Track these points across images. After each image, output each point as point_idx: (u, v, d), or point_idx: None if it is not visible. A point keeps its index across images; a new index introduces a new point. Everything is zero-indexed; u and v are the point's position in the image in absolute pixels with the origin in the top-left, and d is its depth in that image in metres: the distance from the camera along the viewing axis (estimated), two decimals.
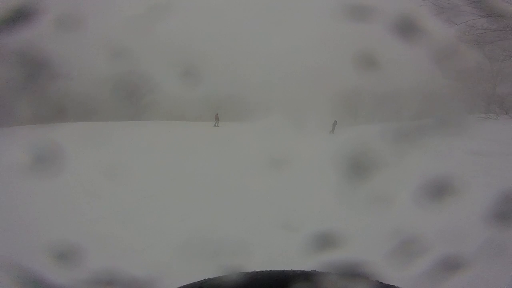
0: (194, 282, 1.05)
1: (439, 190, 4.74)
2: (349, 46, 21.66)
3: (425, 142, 11.11)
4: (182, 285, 1.04)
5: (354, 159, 7.16)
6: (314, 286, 1.00)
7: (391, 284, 1.01)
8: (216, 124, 23.99)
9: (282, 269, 1.07)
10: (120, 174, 7.49)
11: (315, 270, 1.06)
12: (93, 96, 23.99)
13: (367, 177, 5.69)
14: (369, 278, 1.04)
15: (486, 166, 8.09)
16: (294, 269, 1.07)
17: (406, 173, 7.09)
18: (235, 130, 20.55)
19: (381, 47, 14.68)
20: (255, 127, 20.64)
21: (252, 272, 1.06)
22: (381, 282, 1.02)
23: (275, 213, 5.90)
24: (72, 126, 16.71)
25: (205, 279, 1.06)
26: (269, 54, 32.19)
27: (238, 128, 21.44)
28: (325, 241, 3.65)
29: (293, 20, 34.30)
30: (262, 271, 1.07)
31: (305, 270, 1.06)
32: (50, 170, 6.35)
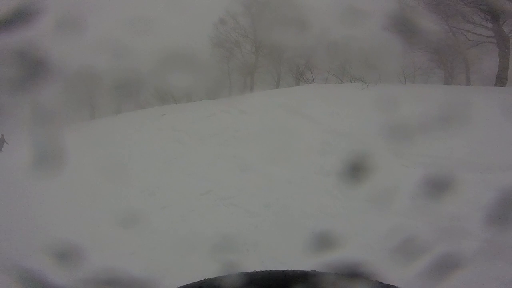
0: (194, 282, 1.05)
1: None
2: None
3: None
4: (182, 285, 1.04)
5: None
6: (314, 286, 1.00)
7: (391, 284, 1.01)
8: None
9: (282, 269, 1.07)
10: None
11: (315, 270, 1.06)
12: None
13: None
14: (369, 278, 1.04)
15: None
16: (294, 269, 1.07)
17: None
18: None
19: None
20: None
21: (252, 272, 1.06)
22: (381, 282, 1.02)
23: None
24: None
25: (205, 279, 1.06)
26: None
27: None
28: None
29: None
30: (262, 271, 1.07)
31: (305, 270, 1.06)
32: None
